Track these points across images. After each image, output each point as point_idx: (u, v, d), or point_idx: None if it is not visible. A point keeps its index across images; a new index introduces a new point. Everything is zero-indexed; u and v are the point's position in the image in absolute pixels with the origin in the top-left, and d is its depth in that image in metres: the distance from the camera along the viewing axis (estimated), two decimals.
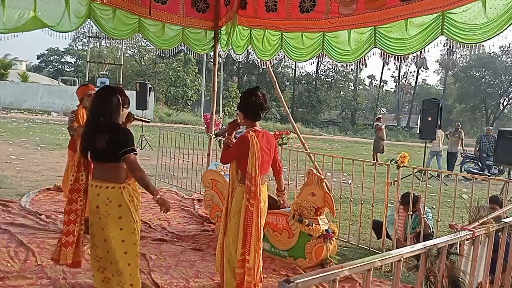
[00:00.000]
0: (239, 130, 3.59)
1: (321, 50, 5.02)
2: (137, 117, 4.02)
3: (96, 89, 4.83)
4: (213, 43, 6.17)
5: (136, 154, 2.94)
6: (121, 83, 34.17)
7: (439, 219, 4.43)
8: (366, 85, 57.29)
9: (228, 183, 4.92)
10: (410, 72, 55.72)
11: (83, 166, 3.07)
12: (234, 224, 3.30)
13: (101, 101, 2.99)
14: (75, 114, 4.73)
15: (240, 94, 36.39)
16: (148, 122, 4.09)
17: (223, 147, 3.43)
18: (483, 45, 3.84)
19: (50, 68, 57.72)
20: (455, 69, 49.95)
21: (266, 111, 3.42)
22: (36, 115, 25.48)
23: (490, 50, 49.82)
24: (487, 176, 7.80)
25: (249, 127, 3.33)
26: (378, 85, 52.50)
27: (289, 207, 4.64)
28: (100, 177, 2.93)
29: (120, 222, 2.93)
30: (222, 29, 5.99)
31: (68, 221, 3.04)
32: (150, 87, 14.08)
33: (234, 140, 3.39)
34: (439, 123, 10.70)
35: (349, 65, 5.00)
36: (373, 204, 4.98)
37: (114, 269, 2.97)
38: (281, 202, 3.82)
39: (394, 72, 56.57)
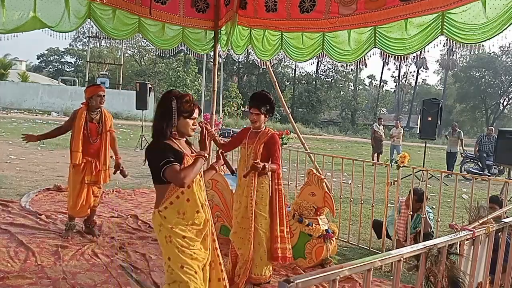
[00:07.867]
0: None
1: (321, 50, 5.01)
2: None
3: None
4: (213, 43, 6.16)
5: (171, 165, 2.39)
6: (121, 83, 34.31)
7: (439, 219, 4.44)
8: (366, 85, 57.36)
9: (227, 183, 4.95)
10: (410, 72, 55.86)
11: None
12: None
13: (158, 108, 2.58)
14: (74, 115, 4.55)
15: (240, 95, 36.14)
16: None
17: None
18: (483, 45, 3.84)
19: (50, 68, 57.80)
20: (455, 69, 49.94)
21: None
22: (36, 115, 25.49)
23: (490, 50, 49.90)
24: (487, 176, 7.80)
25: (261, 126, 3.76)
26: (378, 85, 52.54)
27: (289, 207, 4.64)
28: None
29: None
30: (222, 29, 5.98)
31: None
32: (150, 87, 14.07)
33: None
34: (439, 123, 10.72)
35: (349, 65, 4.98)
36: (373, 204, 4.97)
37: None
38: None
39: (394, 72, 56.72)
